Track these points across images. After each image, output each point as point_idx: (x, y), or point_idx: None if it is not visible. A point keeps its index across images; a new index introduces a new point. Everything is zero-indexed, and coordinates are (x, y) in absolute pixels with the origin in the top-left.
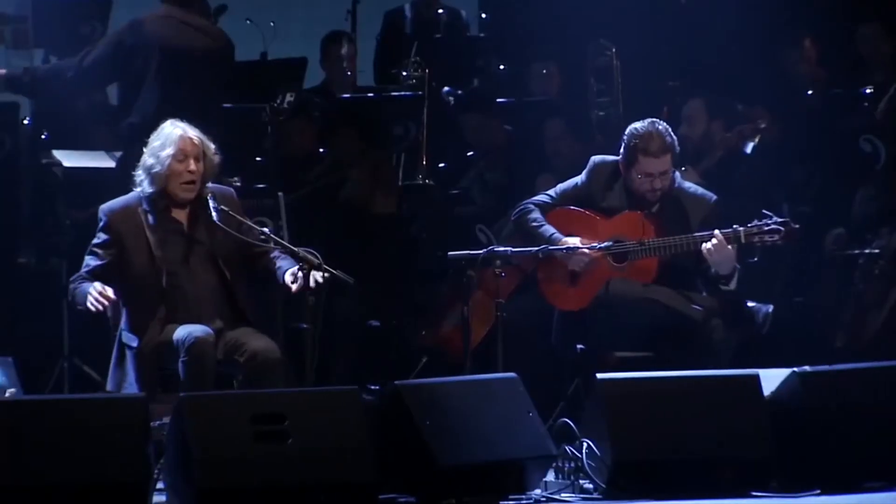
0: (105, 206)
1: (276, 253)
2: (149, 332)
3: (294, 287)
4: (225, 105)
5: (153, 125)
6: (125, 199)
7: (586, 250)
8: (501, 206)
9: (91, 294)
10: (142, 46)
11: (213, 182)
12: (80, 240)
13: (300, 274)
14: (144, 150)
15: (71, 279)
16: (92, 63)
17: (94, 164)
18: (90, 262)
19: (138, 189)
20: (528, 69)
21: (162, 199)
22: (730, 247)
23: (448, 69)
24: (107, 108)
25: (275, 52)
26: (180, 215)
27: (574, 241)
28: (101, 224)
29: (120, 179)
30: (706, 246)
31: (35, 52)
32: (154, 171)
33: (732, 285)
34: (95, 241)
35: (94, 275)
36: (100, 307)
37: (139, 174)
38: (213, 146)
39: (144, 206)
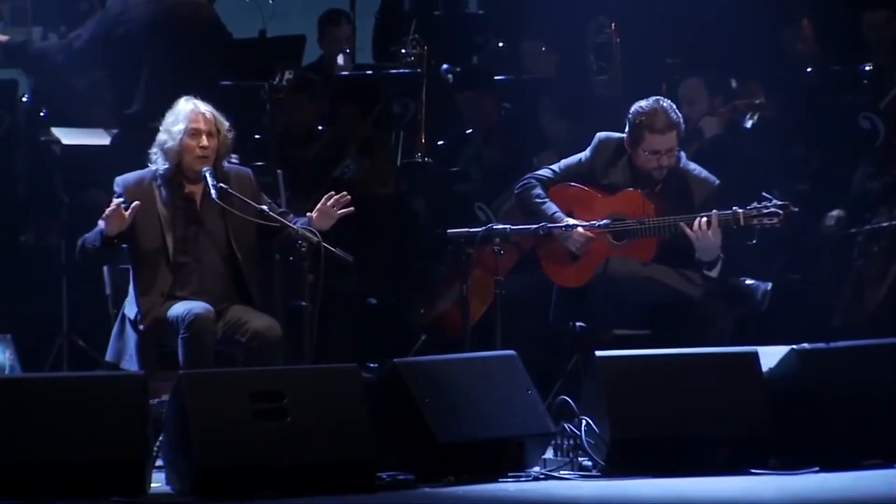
0: (120, 179)
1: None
2: (151, 305)
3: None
4: (223, 83)
5: (153, 113)
6: (139, 174)
7: (585, 231)
8: (499, 184)
9: (103, 217)
10: (132, 34)
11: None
12: (79, 217)
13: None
14: (160, 128)
15: (79, 240)
16: (82, 48)
17: (92, 142)
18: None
19: (153, 166)
20: (524, 46)
21: (176, 175)
22: (713, 233)
23: (447, 47)
24: (106, 86)
25: (273, 30)
26: (193, 193)
27: (575, 222)
28: (118, 192)
29: (113, 158)
30: (694, 226)
31: (34, 30)
32: (167, 146)
33: (714, 273)
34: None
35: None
36: (114, 210)
37: (154, 151)
38: (226, 123)
39: (158, 181)
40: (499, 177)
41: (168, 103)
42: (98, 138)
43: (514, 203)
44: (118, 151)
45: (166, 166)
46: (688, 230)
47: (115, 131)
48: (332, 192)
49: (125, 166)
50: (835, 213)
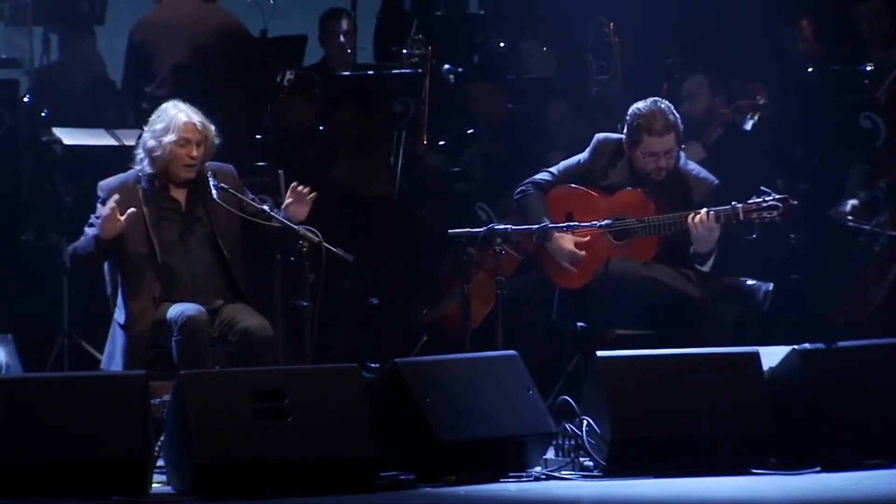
0: (104, 183)
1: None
2: (140, 309)
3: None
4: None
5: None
6: (123, 177)
7: (574, 249)
8: (502, 182)
9: (99, 221)
10: (151, 39)
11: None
12: (80, 217)
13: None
14: (144, 128)
15: (68, 248)
16: (125, 78)
17: (93, 142)
18: (88, 232)
19: (137, 167)
20: (523, 47)
21: (160, 178)
22: (715, 225)
23: (447, 46)
24: (107, 86)
25: (275, 30)
26: (178, 194)
27: (569, 245)
28: (100, 200)
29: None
30: (692, 218)
31: (34, 30)
32: (155, 154)
33: (707, 267)
34: (94, 216)
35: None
36: (110, 214)
37: (139, 153)
38: (213, 128)
39: (143, 184)
40: (501, 174)
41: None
42: (99, 138)
43: (515, 207)
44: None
45: (151, 171)
46: (688, 220)
47: (117, 132)
48: (296, 183)
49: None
50: (851, 201)
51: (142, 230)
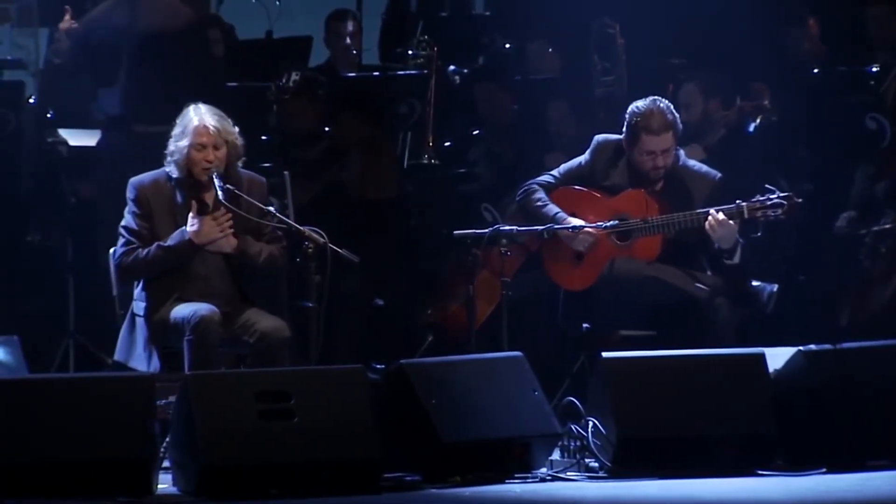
0: (135, 180)
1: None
2: (161, 303)
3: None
4: (229, 84)
5: (135, 115)
6: (155, 174)
7: (591, 229)
8: (507, 181)
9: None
10: (108, 39)
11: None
12: (85, 218)
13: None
14: (170, 135)
15: (117, 257)
16: (67, 51)
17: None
18: (129, 236)
19: (167, 168)
20: (529, 47)
21: (188, 179)
22: (731, 221)
23: (453, 47)
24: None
25: (280, 31)
26: (205, 196)
27: (579, 222)
28: (132, 196)
29: (99, 161)
30: (708, 221)
31: (40, 31)
32: (174, 157)
33: (736, 259)
34: (129, 215)
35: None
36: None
37: (166, 156)
38: (234, 130)
39: (173, 182)
40: (507, 174)
41: (150, 105)
42: None
43: (516, 208)
44: (100, 156)
45: (176, 175)
46: (706, 227)
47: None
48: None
49: (109, 170)
50: (846, 214)
51: (170, 227)
